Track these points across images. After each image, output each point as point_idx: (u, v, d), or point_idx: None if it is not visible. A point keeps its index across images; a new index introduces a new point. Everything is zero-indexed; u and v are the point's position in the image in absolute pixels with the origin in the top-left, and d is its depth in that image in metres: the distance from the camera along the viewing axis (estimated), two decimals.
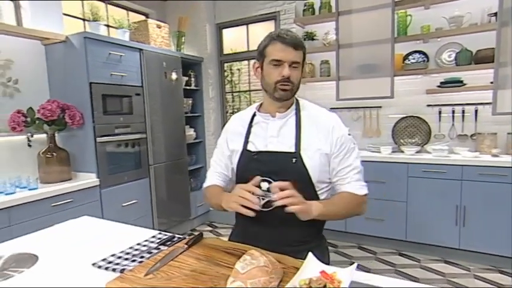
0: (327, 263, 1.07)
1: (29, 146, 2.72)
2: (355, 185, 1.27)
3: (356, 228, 3.31)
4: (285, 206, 1.08)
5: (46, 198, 2.40)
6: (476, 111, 3.08)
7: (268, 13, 3.85)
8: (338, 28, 3.39)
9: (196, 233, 1.26)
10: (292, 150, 1.23)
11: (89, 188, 2.71)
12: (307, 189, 1.23)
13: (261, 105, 1.39)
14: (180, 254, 1.10)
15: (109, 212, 2.81)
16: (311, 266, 0.95)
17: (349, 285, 0.83)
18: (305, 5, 3.67)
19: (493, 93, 2.81)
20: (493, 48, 2.81)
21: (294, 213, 1.13)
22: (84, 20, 3.31)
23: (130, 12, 3.95)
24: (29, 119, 2.60)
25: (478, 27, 2.93)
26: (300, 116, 1.29)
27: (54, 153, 2.70)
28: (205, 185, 1.47)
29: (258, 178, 1.12)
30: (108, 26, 3.48)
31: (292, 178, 1.17)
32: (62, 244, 1.34)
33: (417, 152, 3.18)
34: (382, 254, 3.11)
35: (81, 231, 1.50)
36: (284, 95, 1.24)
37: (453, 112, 3.19)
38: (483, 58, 2.91)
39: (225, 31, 4.30)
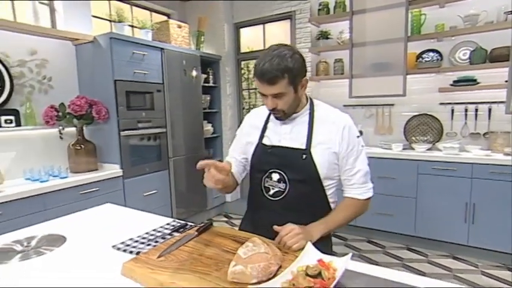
0: (329, 252, 1.14)
1: (61, 138, 2.89)
2: (360, 189, 1.30)
3: (366, 222, 3.32)
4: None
5: (75, 186, 2.56)
6: (489, 109, 3.02)
7: (284, 12, 3.88)
8: (352, 27, 3.39)
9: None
10: (303, 147, 1.27)
11: (113, 178, 2.85)
12: (315, 184, 1.28)
13: None
14: (191, 240, 1.18)
15: (131, 200, 2.94)
16: (309, 254, 1.00)
17: (343, 273, 0.88)
18: (320, 5, 3.68)
19: (507, 92, 2.75)
20: (508, 46, 2.75)
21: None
22: (110, 21, 3.45)
23: (153, 13, 4.08)
24: (60, 114, 2.76)
25: (493, 25, 2.86)
26: (313, 116, 1.31)
27: (82, 145, 2.86)
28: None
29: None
30: (132, 26, 3.62)
31: (301, 173, 1.25)
32: (87, 228, 1.46)
33: (428, 150, 3.15)
34: (391, 248, 3.11)
35: (104, 217, 1.62)
36: (279, 119, 1.29)
37: (466, 110, 3.13)
38: (498, 57, 2.85)
39: (242, 30, 4.36)
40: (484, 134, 3.07)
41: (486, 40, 2.96)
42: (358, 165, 1.29)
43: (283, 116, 1.27)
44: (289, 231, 1.12)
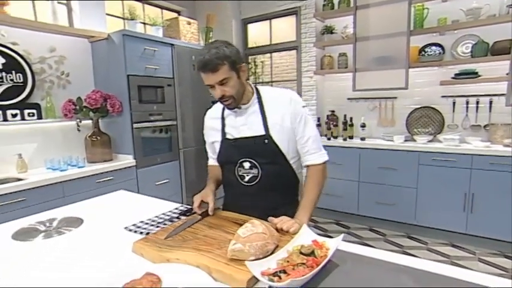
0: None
1: (78, 130, 2.98)
2: (315, 155, 1.40)
3: (368, 211, 3.37)
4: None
5: (92, 175, 2.65)
6: (490, 102, 3.01)
7: (290, 8, 3.90)
8: (356, 22, 3.39)
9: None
10: (263, 132, 1.35)
11: (126, 167, 2.94)
12: (282, 162, 1.39)
13: None
14: (196, 222, 1.26)
15: (144, 189, 3.02)
16: (304, 236, 1.06)
17: (334, 252, 0.94)
18: (325, 0, 3.69)
19: (507, 85, 2.75)
20: (510, 39, 2.73)
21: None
22: (123, 18, 3.53)
23: (163, 11, 4.14)
24: (77, 107, 2.85)
25: (495, 18, 2.84)
26: (262, 101, 1.39)
27: (98, 137, 2.95)
28: (209, 164, 1.64)
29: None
30: (144, 23, 3.68)
31: (268, 156, 1.35)
32: (102, 211, 1.56)
33: (429, 141, 3.17)
34: (392, 236, 3.16)
35: (117, 202, 1.72)
36: (229, 107, 1.35)
37: (467, 103, 3.13)
38: (500, 50, 2.83)
39: (249, 26, 4.40)
40: (485, 126, 3.06)
41: (488, 33, 2.93)
42: (308, 132, 1.38)
43: (234, 102, 1.31)
44: (284, 219, 1.20)
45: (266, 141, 1.35)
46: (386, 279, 0.91)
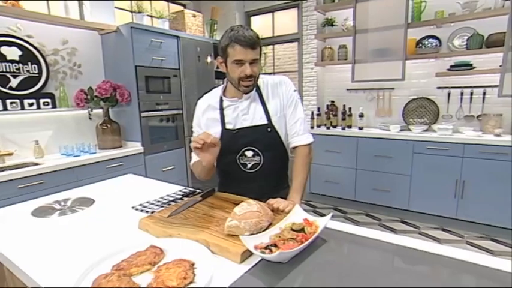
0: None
1: (90, 118, 3.05)
2: (303, 137, 1.42)
3: (364, 197, 3.42)
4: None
5: (102, 161, 2.72)
6: (484, 93, 3.01)
7: (292, 1, 3.89)
8: (355, 14, 3.38)
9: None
10: (265, 121, 1.38)
11: (135, 154, 3.01)
12: (280, 148, 1.44)
13: (224, 89, 1.45)
14: (197, 203, 1.31)
15: (151, 175, 3.07)
16: (296, 215, 1.10)
17: (322, 229, 0.99)
18: None
19: (500, 76, 2.74)
20: (505, 32, 2.71)
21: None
22: (131, 11, 3.55)
23: (170, 4, 4.14)
24: (88, 97, 2.91)
25: (491, 11, 2.82)
26: (260, 90, 1.40)
27: (108, 125, 3.02)
28: (191, 163, 1.51)
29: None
30: (151, 16, 3.70)
31: (270, 144, 1.39)
32: (112, 193, 1.62)
33: (424, 131, 3.19)
34: (386, 221, 3.22)
35: (126, 184, 1.79)
36: (247, 90, 1.34)
37: (462, 94, 3.13)
38: (494, 42, 2.81)
39: (253, 18, 4.39)
40: (478, 117, 3.07)
41: (484, 26, 2.92)
42: (298, 115, 1.42)
43: (253, 85, 1.34)
44: (279, 200, 1.25)
45: (269, 129, 1.37)
46: (367, 253, 0.97)
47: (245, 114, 1.39)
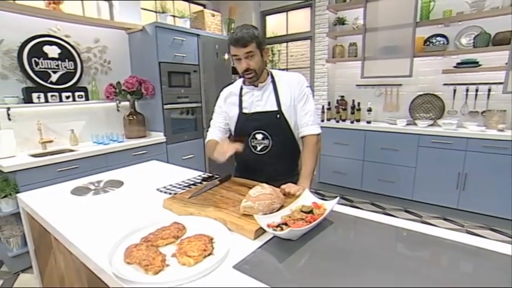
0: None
1: (118, 110, 3.15)
2: (312, 126, 1.47)
3: (370, 187, 3.41)
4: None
5: (129, 149, 2.81)
6: (489, 90, 2.93)
7: (305, 1, 3.85)
8: (366, 13, 3.32)
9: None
10: (276, 108, 1.44)
11: (158, 143, 3.08)
12: (288, 134, 1.48)
13: (244, 80, 1.51)
14: (215, 186, 1.36)
15: (173, 162, 3.12)
16: (306, 198, 1.13)
17: (330, 211, 1.02)
18: None
19: (505, 73, 2.66)
20: (511, 31, 2.62)
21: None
22: (156, 12, 3.60)
23: (191, 4, 4.17)
24: (117, 90, 2.99)
25: (498, 10, 2.72)
26: (275, 82, 1.47)
27: (134, 116, 3.10)
28: (206, 140, 1.61)
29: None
30: (173, 16, 3.75)
31: (278, 129, 1.44)
32: (139, 176, 1.70)
33: (429, 126, 3.14)
34: (390, 209, 3.20)
35: (151, 169, 1.86)
36: (250, 81, 1.43)
37: (467, 90, 3.05)
38: (501, 40, 2.72)
39: (268, 18, 4.37)
40: (482, 112, 2.99)
41: (491, 25, 2.82)
42: (308, 107, 1.47)
43: (255, 77, 1.40)
44: (291, 184, 1.29)
45: (278, 116, 1.43)
46: (370, 233, 0.99)
47: (259, 100, 1.47)
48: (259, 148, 1.48)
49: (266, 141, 1.46)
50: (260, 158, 1.48)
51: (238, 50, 1.33)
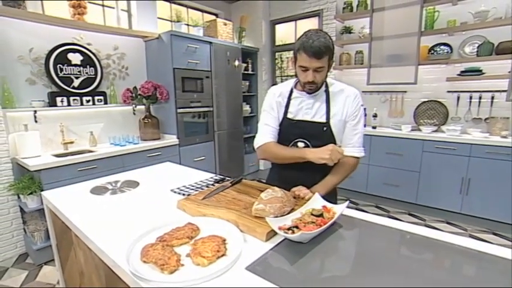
0: (334, 202, 1.24)
1: (134, 114, 3.17)
2: (357, 148, 1.34)
3: (375, 190, 3.35)
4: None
5: (144, 150, 2.82)
6: (492, 97, 2.86)
7: (313, 10, 3.83)
8: (372, 23, 3.29)
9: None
10: (324, 120, 1.30)
11: (171, 145, 3.09)
12: None
13: (297, 82, 1.38)
14: (227, 188, 1.34)
15: (185, 164, 3.12)
16: (316, 202, 1.11)
17: (339, 215, 1.00)
18: (344, 3, 3.59)
19: (508, 81, 2.60)
20: None
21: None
22: (171, 21, 3.63)
23: (204, 14, 4.20)
24: (133, 95, 3.02)
25: (501, 21, 2.66)
26: (329, 92, 1.32)
27: (149, 120, 3.12)
28: (260, 142, 1.39)
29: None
30: (187, 25, 3.78)
31: (322, 141, 1.28)
32: (153, 177, 1.69)
33: (433, 131, 3.08)
34: (395, 212, 3.14)
35: (165, 170, 1.85)
36: (309, 92, 1.30)
37: (470, 98, 2.98)
38: (504, 49, 2.66)
39: (277, 26, 4.36)
40: (485, 119, 2.92)
41: (494, 34, 2.76)
42: (359, 128, 1.33)
43: (316, 89, 1.28)
44: (301, 187, 1.26)
45: (325, 128, 1.31)
46: (378, 237, 0.97)
47: (308, 108, 1.33)
48: None
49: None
50: (299, 167, 1.31)
51: (310, 61, 1.16)
